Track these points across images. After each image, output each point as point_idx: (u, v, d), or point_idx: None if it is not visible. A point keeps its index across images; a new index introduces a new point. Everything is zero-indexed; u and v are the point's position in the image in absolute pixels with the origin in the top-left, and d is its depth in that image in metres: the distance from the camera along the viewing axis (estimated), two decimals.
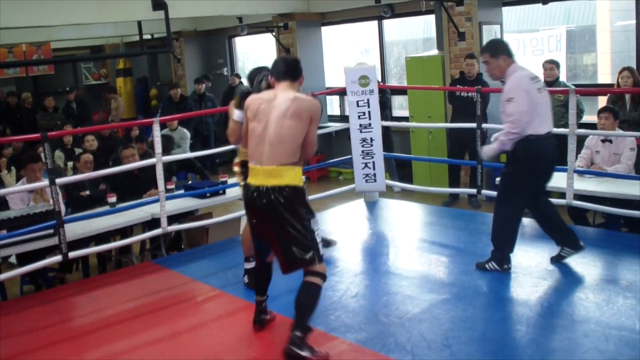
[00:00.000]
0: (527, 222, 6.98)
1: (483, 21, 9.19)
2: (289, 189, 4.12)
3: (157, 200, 6.53)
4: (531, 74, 5.25)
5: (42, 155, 6.24)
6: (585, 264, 5.60)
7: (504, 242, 5.45)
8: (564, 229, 5.61)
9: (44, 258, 6.04)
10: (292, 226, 4.12)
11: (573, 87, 6.97)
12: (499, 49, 5.27)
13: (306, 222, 4.19)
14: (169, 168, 9.32)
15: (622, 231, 6.69)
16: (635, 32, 8.41)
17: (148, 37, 13.09)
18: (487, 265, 5.50)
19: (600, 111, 6.86)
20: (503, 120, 5.22)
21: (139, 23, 10.02)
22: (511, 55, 5.25)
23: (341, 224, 7.43)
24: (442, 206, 8.56)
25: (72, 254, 6.01)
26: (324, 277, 4.22)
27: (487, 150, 5.41)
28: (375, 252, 6.51)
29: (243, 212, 7.23)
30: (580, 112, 7.56)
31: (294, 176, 4.16)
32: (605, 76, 9.46)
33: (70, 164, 9.45)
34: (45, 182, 6.04)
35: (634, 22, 8.40)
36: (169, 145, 9.40)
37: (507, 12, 9.63)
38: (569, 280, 5.33)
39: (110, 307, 5.52)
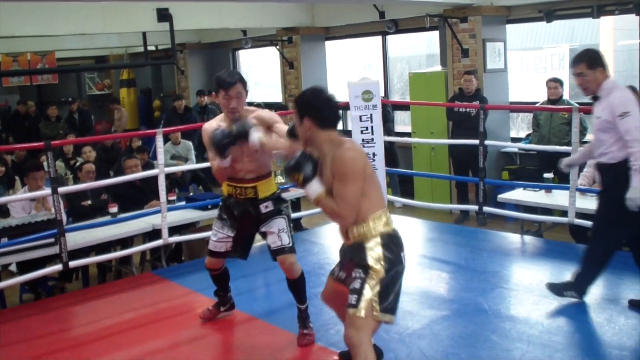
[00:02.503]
0: (528, 239, 6.99)
1: (487, 38, 9.22)
2: None
3: (158, 211, 6.53)
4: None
5: (45, 164, 6.24)
6: None
7: (592, 272, 5.06)
8: None
9: (44, 267, 6.03)
10: None
11: (577, 105, 6.97)
12: (597, 60, 4.73)
13: None
14: (181, 179, 9.36)
15: (624, 250, 6.67)
16: (638, 52, 8.42)
17: (152, 48, 13.13)
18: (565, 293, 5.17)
19: None
20: (604, 141, 4.71)
21: (144, 34, 10.05)
22: (607, 67, 4.80)
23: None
24: (453, 224, 8.53)
25: (73, 263, 6.00)
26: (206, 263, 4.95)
27: (632, 192, 4.56)
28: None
29: None
30: (583, 130, 7.56)
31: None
32: None
33: (70, 173, 9.46)
34: (47, 190, 6.05)
35: (637, 41, 8.40)
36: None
37: (511, 29, 9.65)
38: (570, 299, 5.31)
39: (109, 317, 5.51)
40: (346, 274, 3.75)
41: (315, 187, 3.61)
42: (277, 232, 4.59)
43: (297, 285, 4.67)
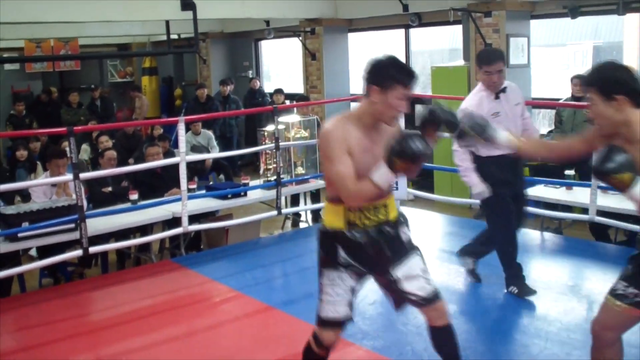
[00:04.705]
0: (547, 236, 6.95)
1: (510, 33, 9.14)
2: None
3: (178, 199, 6.55)
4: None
5: (67, 149, 6.28)
6: (607, 281, 5.51)
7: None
8: None
9: (64, 252, 6.07)
10: None
11: None
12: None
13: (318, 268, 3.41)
14: (203, 168, 9.40)
15: None
16: None
17: (175, 37, 13.15)
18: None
19: None
20: None
21: (167, 22, 10.07)
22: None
23: None
24: (472, 218, 8.50)
25: (93, 249, 6.03)
26: (314, 337, 3.45)
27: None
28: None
29: (263, 214, 7.32)
30: None
31: (324, 212, 3.47)
32: None
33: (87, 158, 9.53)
34: (68, 176, 6.09)
35: None
36: None
37: (535, 25, 9.57)
38: (589, 297, 5.29)
39: (127, 303, 5.55)
40: None
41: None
42: (422, 273, 3.35)
43: (454, 333, 3.50)
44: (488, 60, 5.01)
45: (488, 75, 5.01)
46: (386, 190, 3.22)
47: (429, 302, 3.34)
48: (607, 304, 3.24)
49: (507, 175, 5.03)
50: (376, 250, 3.27)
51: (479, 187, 5.04)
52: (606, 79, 3.06)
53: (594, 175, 3.00)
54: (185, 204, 6.49)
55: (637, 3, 8.12)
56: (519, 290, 5.20)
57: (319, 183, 8.14)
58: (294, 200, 8.59)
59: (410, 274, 3.31)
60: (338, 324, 3.35)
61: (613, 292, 3.21)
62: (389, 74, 3.11)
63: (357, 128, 3.17)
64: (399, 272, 3.30)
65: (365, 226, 3.26)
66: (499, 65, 5.00)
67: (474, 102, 5.05)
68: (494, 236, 5.31)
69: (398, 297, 3.42)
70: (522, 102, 5.28)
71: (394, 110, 3.15)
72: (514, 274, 5.24)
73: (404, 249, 3.35)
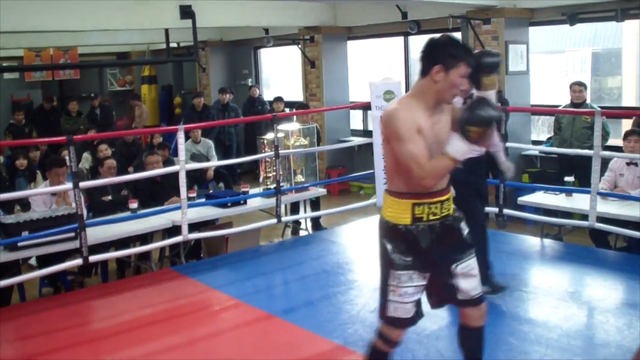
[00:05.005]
0: (547, 243, 6.95)
1: (509, 40, 9.16)
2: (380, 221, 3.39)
3: (178, 208, 6.55)
4: None
5: (67, 158, 6.28)
6: (607, 287, 5.55)
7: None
8: None
9: (64, 261, 6.07)
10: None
11: (599, 109, 6.92)
12: None
13: (382, 268, 3.36)
14: (203, 176, 9.41)
15: None
16: None
17: (174, 45, 13.17)
18: None
19: (629, 134, 6.81)
20: None
21: (166, 31, 10.09)
22: None
23: (360, 238, 7.42)
24: None
25: (93, 258, 6.03)
26: (381, 336, 3.43)
27: None
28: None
29: (263, 222, 7.32)
30: (605, 135, 7.51)
31: (385, 207, 3.36)
32: (630, 99, 9.38)
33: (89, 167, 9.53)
34: (68, 185, 6.09)
35: None
36: None
37: (534, 31, 9.58)
38: (590, 303, 5.29)
39: (128, 312, 5.55)
40: None
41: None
42: (477, 274, 3.38)
43: (484, 335, 3.51)
44: None
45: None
46: (446, 181, 3.25)
47: (477, 303, 3.38)
48: None
49: (472, 177, 5.12)
50: (442, 243, 3.26)
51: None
52: None
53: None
54: (185, 213, 6.49)
55: (636, 10, 8.13)
56: (492, 289, 5.28)
57: (319, 191, 8.15)
58: (294, 208, 8.58)
59: (468, 273, 3.33)
60: (409, 322, 3.36)
61: None
62: (452, 52, 3.13)
63: (421, 108, 3.18)
64: (459, 268, 3.31)
65: (430, 221, 3.24)
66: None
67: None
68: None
69: (443, 295, 3.40)
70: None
71: (456, 88, 3.17)
72: (485, 274, 5.29)
73: (465, 245, 3.36)
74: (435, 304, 3.49)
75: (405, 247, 3.24)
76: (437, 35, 3.25)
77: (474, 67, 3.24)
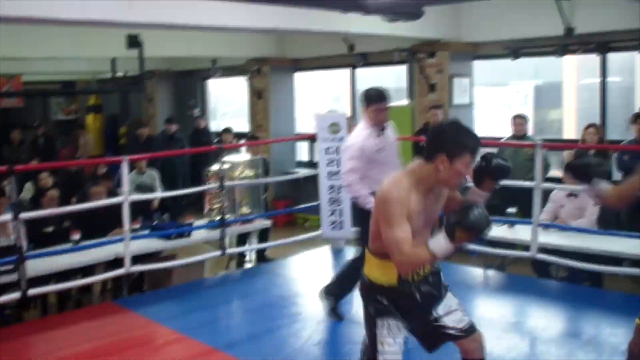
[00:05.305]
0: (490, 273, 7.03)
1: (454, 74, 9.34)
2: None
3: (121, 240, 6.45)
4: None
5: (8, 188, 6.15)
6: (548, 318, 5.62)
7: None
8: None
9: (1, 295, 5.91)
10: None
11: (540, 141, 7.06)
12: None
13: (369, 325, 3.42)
14: (147, 207, 9.28)
15: (585, 285, 6.74)
16: (599, 90, 8.63)
17: (121, 74, 13.07)
18: None
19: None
20: None
21: (113, 60, 10.02)
22: None
23: (306, 271, 7.40)
24: None
25: (32, 292, 5.88)
26: None
27: None
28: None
29: (207, 254, 7.25)
30: (546, 167, 7.66)
31: (371, 267, 3.41)
32: (569, 132, 9.62)
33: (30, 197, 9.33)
34: (7, 216, 5.95)
35: (598, 80, 8.62)
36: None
37: (478, 65, 9.78)
38: (532, 334, 5.35)
39: (67, 347, 5.41)
40: None
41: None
42: (458, 307, 3.52)
43: None
44: (379, 99, 5.38)
45: (379, 113, 5.34)
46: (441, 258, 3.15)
47: (468, 333, 3.46)
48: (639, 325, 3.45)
49: None
50: (426, 299, 3.35)
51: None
52: None
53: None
54: (128, 245, 6.40)
55: (575, 45, 8.38)
56: (330, 308, 5.58)
57: (264, 223, 8.12)
58: (241, 239, 8.52)
59: (449, 309, 3.43)
60: None
61: None
62: (458, 141, 3.09)
63: (417, 191, 3.14)
64: (440, 309, 3.41)
65: (415, 280, 3.31)
66: (387, 103, 5.41)
67: (362, 137, 5.32)
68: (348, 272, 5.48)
69: (433, 338, 3.50)
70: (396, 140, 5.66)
71: (460, 177, 3.15)
72: (340, 292, 5.56)
73: (443, 289, 3.47)
74: (429, 347, 3.56)
75: (391, 303, 3.30)
76: (446, 122, 3.28)
77: (484, 168, 3.33)
